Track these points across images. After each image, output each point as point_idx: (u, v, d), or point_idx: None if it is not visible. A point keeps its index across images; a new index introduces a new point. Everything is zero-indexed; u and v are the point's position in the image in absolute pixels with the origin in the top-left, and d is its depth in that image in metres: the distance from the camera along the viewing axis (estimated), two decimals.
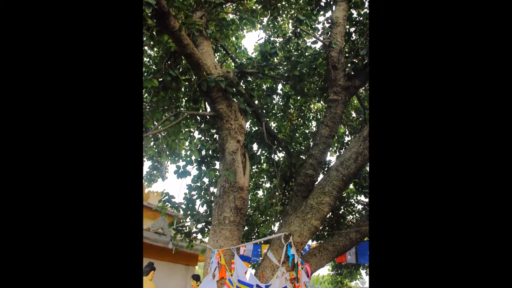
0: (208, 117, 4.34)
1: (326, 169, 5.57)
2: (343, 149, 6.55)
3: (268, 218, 5.94)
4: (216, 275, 3.18)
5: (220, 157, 3.91)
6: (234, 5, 6.07)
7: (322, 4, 5.19)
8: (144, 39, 3.87)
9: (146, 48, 4.94)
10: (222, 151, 3.80)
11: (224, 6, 5.55)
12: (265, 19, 6.35)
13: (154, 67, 5.15)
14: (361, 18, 4.89)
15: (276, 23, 6.17)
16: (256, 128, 5.70)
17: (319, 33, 4.58)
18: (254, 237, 6.14)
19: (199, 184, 4.30)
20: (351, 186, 6.35)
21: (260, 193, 6.66)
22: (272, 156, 5.23)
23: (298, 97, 6.13)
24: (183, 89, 4.95)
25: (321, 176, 4.01)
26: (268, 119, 5.88)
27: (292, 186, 5.22)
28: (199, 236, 4.57)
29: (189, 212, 4.19)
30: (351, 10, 4.87)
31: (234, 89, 3.89)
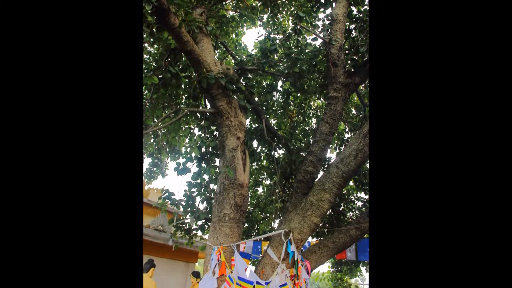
0: (208, 114, 4.34)
1: (326, 166, 5.58)
2: (343, 146, 6.55)
3: (268, 215, 5.96)
4: (216, 272, 3.19)
5: (220, 154, 3.91)
6: (234, 2, 6.05)
7: (322, 1, 5.17)
8: (144, 36, 3.87)
9: (146, 45, 4.93)
10: (222, 148, 3.80)
11: (224, 3, 5.53)
12: (265, 16, 6.34)
13: (154, 64, 5.15)
14: (361, 15, 4.87)
15: (276, 20, 6.16)
16: (256, 125, 5.70)
17: (319, 30, 4.56)
18: (254, 234, 6.15)
19: (199, 181, 4.31)
20: (351, 183, 6.36)
21: (260, 190, 6.68)
22: (272, 153, 5.23)
23: (298, 94, 6.12)
24: (183, 86, 4.94)
25: (321, 173, 4.01)
26: (268, 116, 5.88)
27: (292, 183, 5.23)
28: (199, 233, 4.59)
29: (189, 209, 4.21)
30: (351, 7, 4.86)
31: (234, 86, 3.88)
